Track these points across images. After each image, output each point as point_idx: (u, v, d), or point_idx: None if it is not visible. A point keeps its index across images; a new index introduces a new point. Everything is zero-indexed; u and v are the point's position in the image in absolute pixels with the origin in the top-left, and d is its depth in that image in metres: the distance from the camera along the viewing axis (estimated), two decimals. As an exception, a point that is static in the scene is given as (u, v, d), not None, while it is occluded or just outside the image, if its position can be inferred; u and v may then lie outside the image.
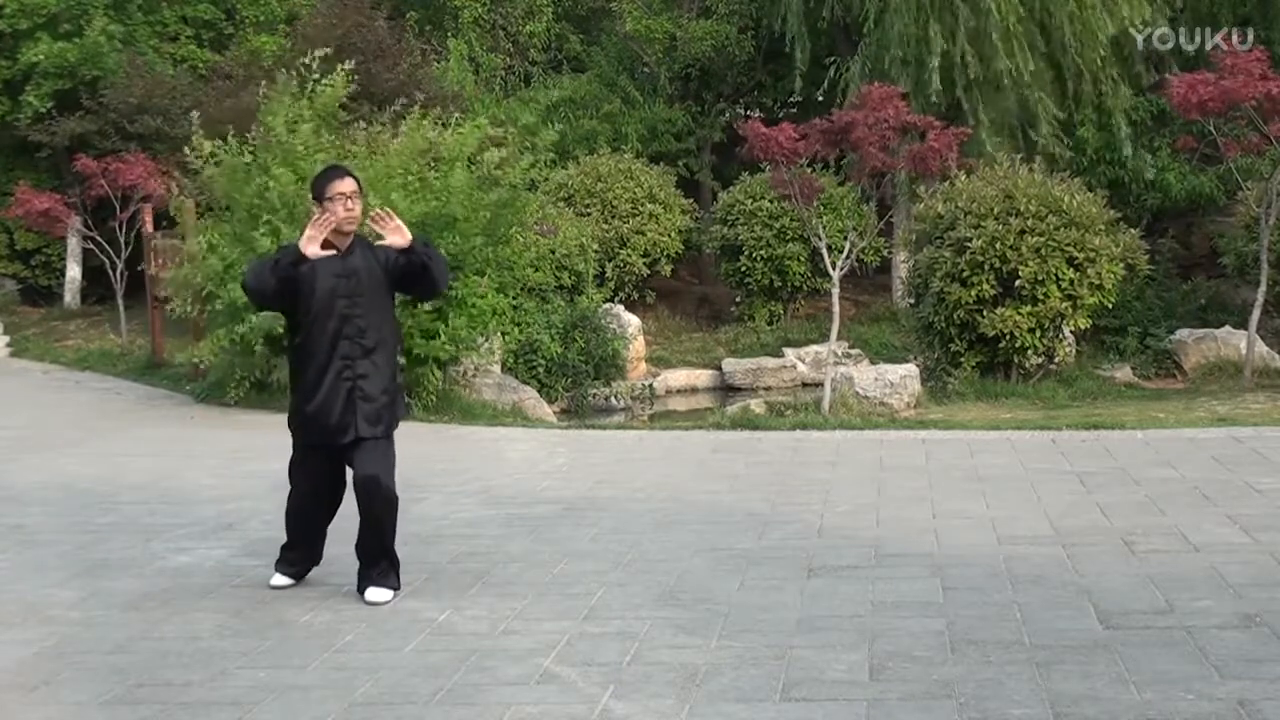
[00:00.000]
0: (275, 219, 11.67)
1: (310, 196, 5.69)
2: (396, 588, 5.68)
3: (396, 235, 5.63)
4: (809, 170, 15.44)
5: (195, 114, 12.80)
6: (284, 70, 13.06)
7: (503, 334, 13.16)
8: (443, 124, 12.72)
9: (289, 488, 5.91)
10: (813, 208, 14.61)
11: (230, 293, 11.52)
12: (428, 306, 11.59)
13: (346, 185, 5.54)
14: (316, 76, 12.66)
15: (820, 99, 19.65)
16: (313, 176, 5.87)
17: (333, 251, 5.54)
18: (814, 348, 18.09)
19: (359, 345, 5.56)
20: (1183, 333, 16.02)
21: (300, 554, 5.96)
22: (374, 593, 5.61)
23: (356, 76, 13.71)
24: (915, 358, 15.08)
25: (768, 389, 17.49)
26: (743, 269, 19.66)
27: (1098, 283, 13.75)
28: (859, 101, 13.62)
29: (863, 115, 12.95)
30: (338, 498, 5.89)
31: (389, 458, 5.66)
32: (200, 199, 13.54)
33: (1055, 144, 19.14)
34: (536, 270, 13.96)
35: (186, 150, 12.56)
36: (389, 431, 5.67)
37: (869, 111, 12.96)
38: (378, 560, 5.67)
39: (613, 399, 15.94)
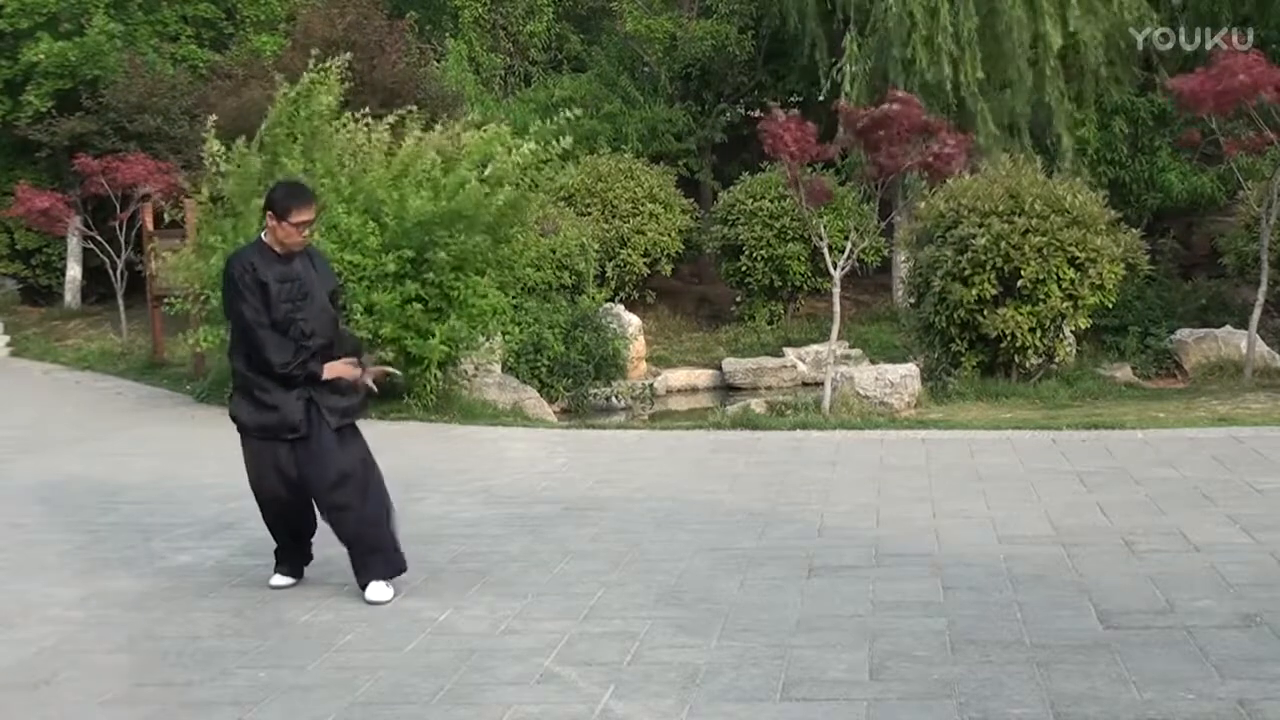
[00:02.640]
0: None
1: (266, 207, 5.66)
2: (389, 575, 5.68)
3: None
4: (812, 170, 15.42)
5: (212, 118, 12.80)
6: (283, 73, 13.08)
7: (503, 333, 13.15)
8: (463, 128, 12.71)
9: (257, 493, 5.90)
10: (815, 207, 14.58)
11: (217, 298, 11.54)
12: (420, 306, 11.56)
13: (309, 214, 5.60)
14: (311, 74, 12.69)
15: (822, 99, 19.64)
16: (277, 187, 5.84)
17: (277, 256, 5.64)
18: (814, 347, 18.08)
19: (305, 347, 5.60)
20: (1183, 332, 16.01)
21: (293, 552, 5.98)
22: (375, 591, 5.62)
23: (352, 73, 13.72)
24: (915, 357, 15.06)
25: (768, 388, 17.48)
26: (743, 269, 19.66)
27: (1099, 282, 13.73)
28: (891, 101, 13.49)
29: (898, 114, 12.84)
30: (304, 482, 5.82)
31: (349, 447, 5.70)
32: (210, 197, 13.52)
33: (1055, 143, 19.15)
34: (538, 270, 13.96)
35: (204, 152, 12.53)
36: (345, 420, 5.70)
37: (902, 111, 12.87)
38: (372, 552, 5.67)
39: (613, 398, 15.94)
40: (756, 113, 14.34)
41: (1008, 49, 18.28)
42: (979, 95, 18.55)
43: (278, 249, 5.62)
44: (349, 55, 13.38)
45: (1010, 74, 18.47)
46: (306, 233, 5.62)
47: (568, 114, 12.52)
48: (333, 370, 5.63)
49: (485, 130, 12.54)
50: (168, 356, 16.31)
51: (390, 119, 12.68)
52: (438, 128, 12.72)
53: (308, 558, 6.04)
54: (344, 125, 12.46)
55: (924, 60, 18.43)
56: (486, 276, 12.21)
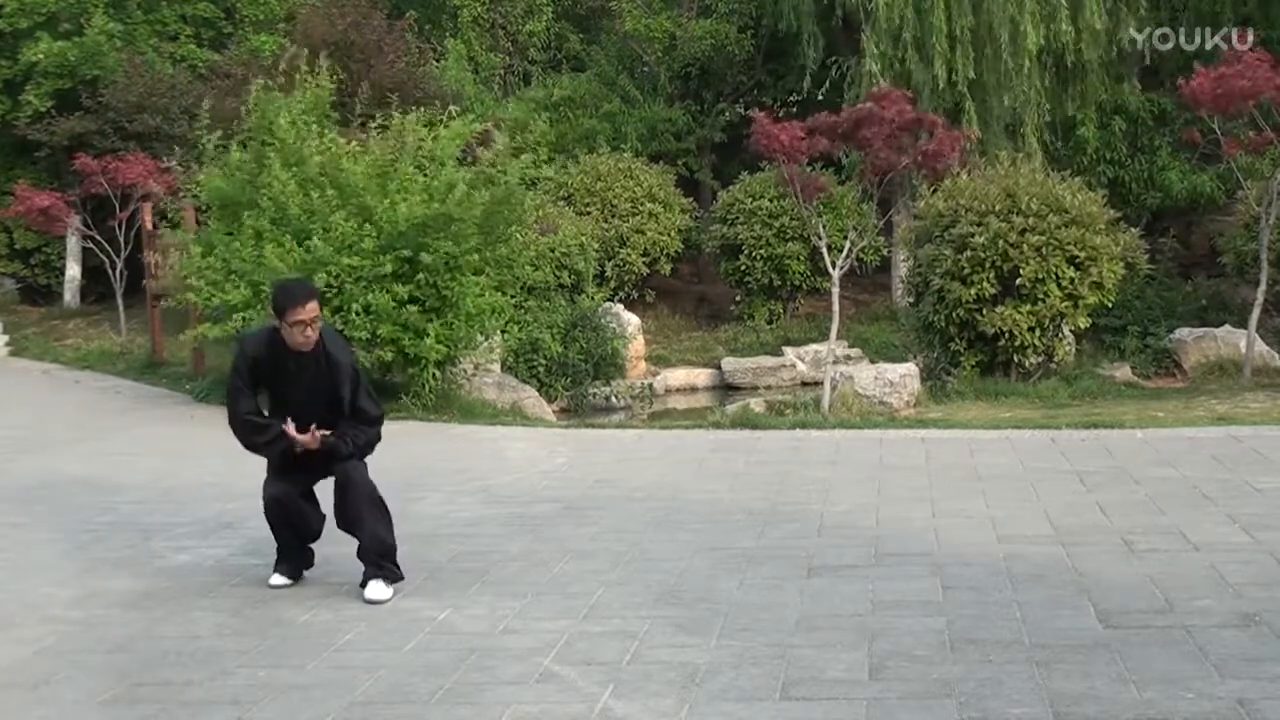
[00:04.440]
0: (266, 223, 11.72)
1: (271, 308, 5.75)
2: (391, 580, 5.70)
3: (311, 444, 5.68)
4: (810, 169, 15.42)
5: (206, 105, 12.88)
6: (280, 75, 13.14)
7: (503, 333, 13.14)
8: (433, 122, 12.72)
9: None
10: (813, 206, 14.59)
11: (221, 295, 11.57)
12: (416, 307, 11.56)
13: (308, 311, 5.56)
14: (303, 74, 12.74)
15: (821, 98, 19.65)
16: (274, 289, 5.87)
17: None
18: (814, 347, 18.08)
19: (315, 422, 5.70)
20: (1182, 332, 16.01)
21: (295, 553, 5.99)
22: (373, 590, 5.63)
23: (347, 75, 13.76)
24: (915, 357, 15.07)
25: (767, 388, 17.48)
26: (742, 268, 19.65)
27: (1098, 281, 13.73)
28: (872, 99, 13.53)
29: (878, 112, 12.87)
30: (310, 493, 5.94)
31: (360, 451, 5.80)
32: (198, 200, 13.54)
33: (1054, 143, 19.16)
34: (536, 269, 13.96)
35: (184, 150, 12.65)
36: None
37: (882, 109, 12.90)
38: (372, 557, 5.72)
39: (612, 398, 15.93)
40: (756, 112, 14.35)
41: (1007, 48, 18.27)
42: (977, 94, 18.55)
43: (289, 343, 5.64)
44: (325, 57, 13.40)
45: (999, 74, 18.47)
46: (309, 333, 5.58)
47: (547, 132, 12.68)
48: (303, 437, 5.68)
49: (454, 126, 12.55)
50: (167, 356, 16.30)
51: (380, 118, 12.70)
52: (416, 121, 12.70)
53: (308, 562, 6.04)
54: (322, 134, 12.41)
55: (918, 59, 18.43)
56: (485, 276, 12.20)
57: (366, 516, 5.72)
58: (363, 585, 5.70)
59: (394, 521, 5.86)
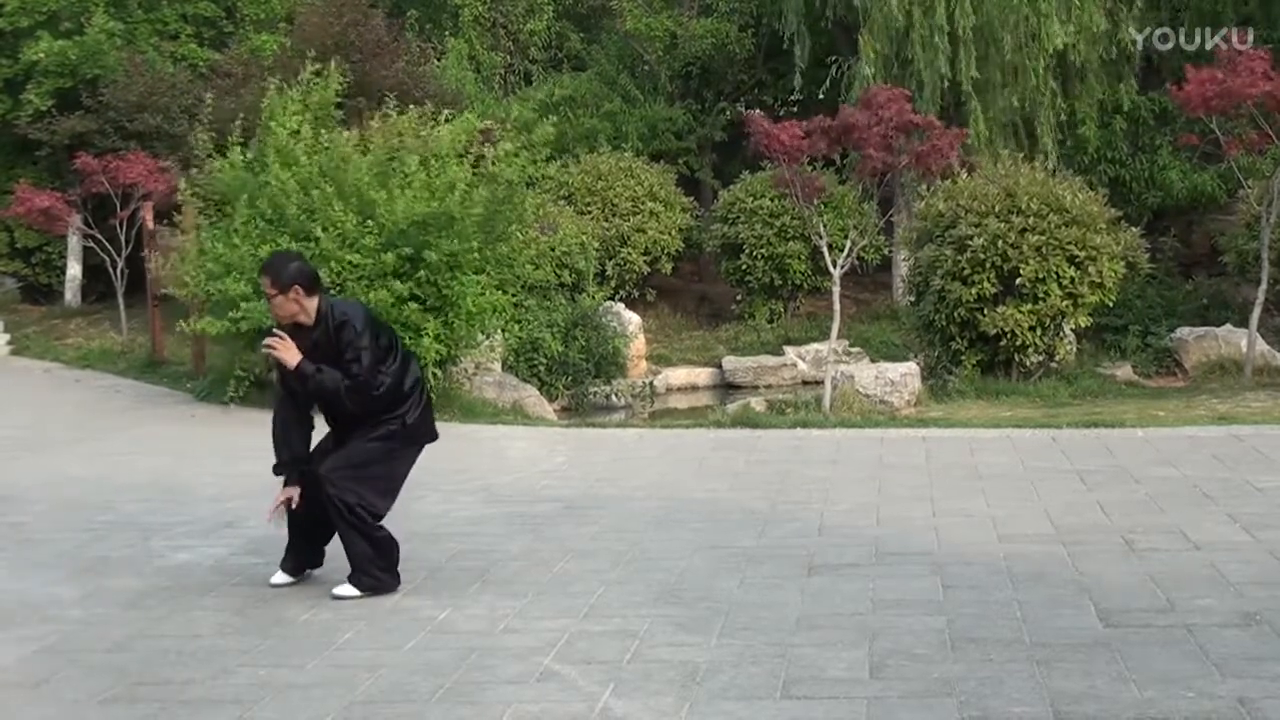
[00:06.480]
0: (264, 222, 11.72)
1: None
2: (371, 589, 5.66)
3: (284, 355, 5.53)
4: (810, 169, 15.42)
5: (208, 99, 12.87)
6: (280, 74, 13.14)
7: (503, 332, 13.14)
8: (434, 121, 12.72)
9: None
10: (814, 206, 14.59)
11: (222, 288, 11.56)
12: (417, 305, 11.55)
13: (266, 285, 5.60)
14: (310, 74, 12.75)
15: (821, 97, 19.64)
16: None
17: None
18: (814, 346, 18.07)
19: (329, 409, 5.72)
20: (1183, 331, 16.00)
21: (300, 550, 5.97)
22: (340, 588, 5.68)
23: (350, 75, 13.77)
24: (916, 356, 15.06)
25: (768, 387, 17.48)
26: (743, 267, 19.64)
27: (1099, 281, 13.73)
28: (862, 101, 13.57)
29: (865, 116, 12.93)
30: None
31: (353, 458, 5.66)
32: (202, 197, 13.53)
33: (1055, 143, 19.15)
34: (537, 268, 13.97)
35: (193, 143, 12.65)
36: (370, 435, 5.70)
37: (872, 111, 12.95)
38: (356, 564, 5.72)
39: (613, 397, 15.92)
40: (752, 112, 14.38)
41: (1007, 47, 18.26)
42: (977, 94, 18.54)
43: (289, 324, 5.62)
44: (336, 60, 13.42)
45: (1005, 73, 18.45)
46: (271, 306, 5.56)
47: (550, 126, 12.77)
48: (281, 494, 5.72)
49: (455, 124, 12.55)
50: (168, 355, 16.29)
51: (379, 117, 12.69)
52: (409, 113, 12.70)
53: (316, 562, 6.02)
54: (317, 136, 12.42)
55: (920, 60, 18.42)
56: (485, 275, 12.19)
57: (342, 534, 5.71)
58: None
59: (395, 520, 5.84)
